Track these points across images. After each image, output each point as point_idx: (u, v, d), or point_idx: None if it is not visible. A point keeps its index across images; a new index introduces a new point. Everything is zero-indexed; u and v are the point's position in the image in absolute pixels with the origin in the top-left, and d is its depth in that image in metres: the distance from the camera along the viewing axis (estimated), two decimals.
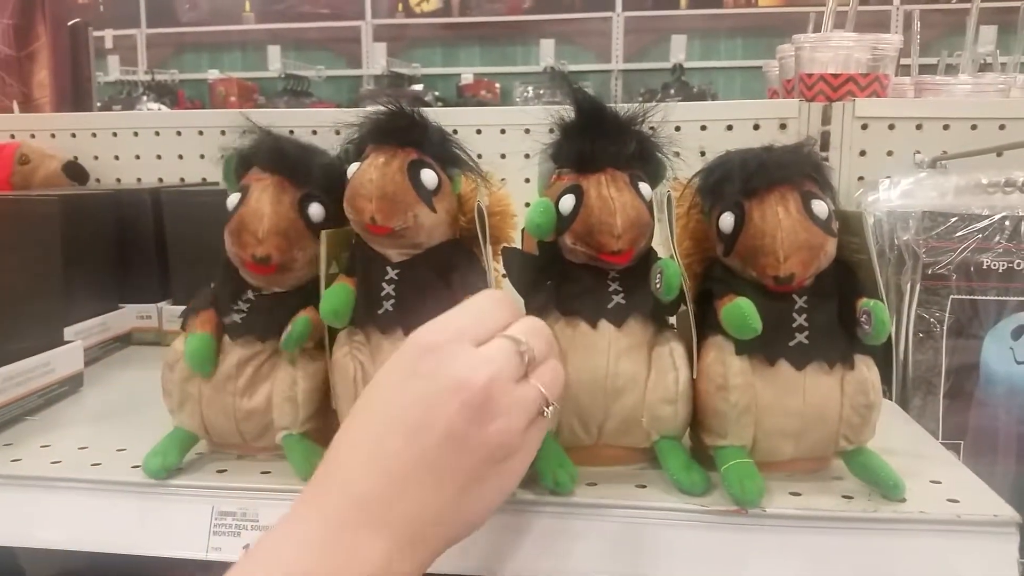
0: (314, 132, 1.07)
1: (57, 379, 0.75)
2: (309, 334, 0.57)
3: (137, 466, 0.58)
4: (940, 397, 0.75)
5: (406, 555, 0.40)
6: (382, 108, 0.57)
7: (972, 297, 0.75)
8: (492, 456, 0.42)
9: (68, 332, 0.82)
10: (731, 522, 0.52)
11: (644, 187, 0.55)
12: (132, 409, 0.74)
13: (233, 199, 0.58)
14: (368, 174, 0.54)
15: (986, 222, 0.76)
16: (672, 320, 0.59)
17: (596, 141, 0.55)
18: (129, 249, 0.97)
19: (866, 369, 0.53)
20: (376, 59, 3.78)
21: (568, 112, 0.57)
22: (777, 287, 0.52)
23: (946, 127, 1.00)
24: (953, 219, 0.76)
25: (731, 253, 0.53)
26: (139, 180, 1.16)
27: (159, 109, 3.30)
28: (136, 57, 3.88)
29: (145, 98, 3.45)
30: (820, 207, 0.51)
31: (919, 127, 1.00)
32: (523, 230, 0.60)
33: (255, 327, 0.58)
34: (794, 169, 0.52)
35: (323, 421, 0.60)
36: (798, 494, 0.54)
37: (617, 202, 0.53)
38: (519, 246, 0.62)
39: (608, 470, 0.58)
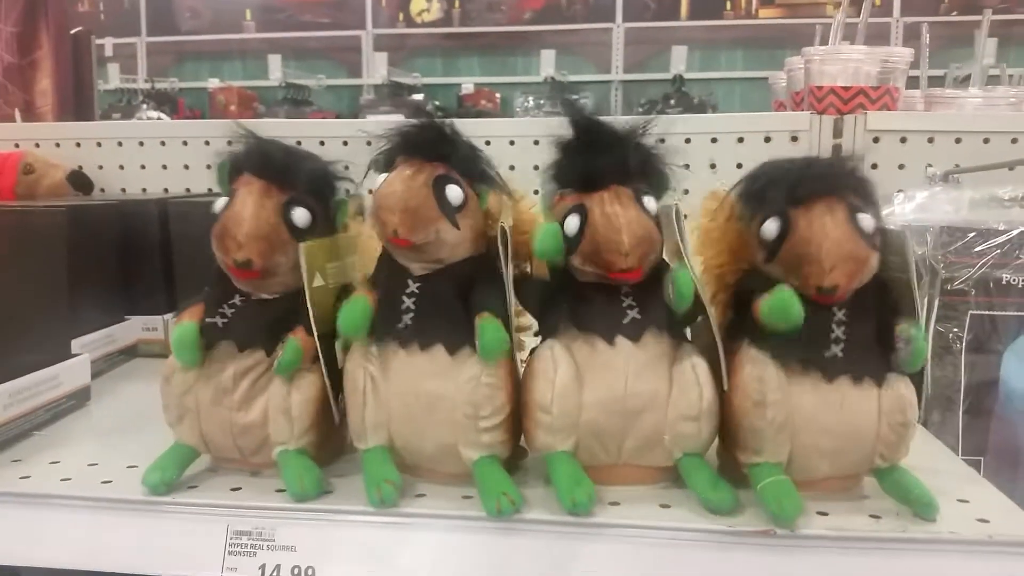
0: (322, 143, 1.07)
1: (64, 393, 0.74)
2: (300, 359, 0.57)
3: None
4: (959, 414, 0.75)
5: None
6: (413, 120, 0.56)
7: (991, 312, 0.74)
8: None
9: (74, 345, 0.81)
10: (760, 543, 0.51)
11: (649, 201, 0.55)
12: (140, 424, 0.72)
13: (220, 203, 0.57)
14: (393, 186, 0.53)
15: (1004, 237, 0.75)
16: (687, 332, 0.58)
17: (596, 158, 0.54)
18: (135, 260, 0.96)
19: (903, 387, 0.52)
20: (376, 68, 3.78)
21: (565, 130, 0.56)
22: (819, 297, 0.51)
23: (958, 140, 1.00)
24: (971, 234, 0.76)
25: (773, 260, 0.52)
26: (144, 190, 1.15)
27: (159, 118, 3.29)
28: (136, 65, 3.87)
29: (145, 106, 3.44)
30: (866, 220, 0.50)
31: (931, 140, 1.00)
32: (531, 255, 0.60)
33: (234, 332, 0.58)
34: (842, 181, 0.52)
35: (322, 436, 0.59)
36: (825, 514, 0.53)
37: (623, 219, 0.52)
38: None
39: (630, 489, 0.57)
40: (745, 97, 3.76)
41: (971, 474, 0.61)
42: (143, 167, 1.14)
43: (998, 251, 0.75)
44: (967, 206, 0.84)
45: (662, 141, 0.57)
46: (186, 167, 1.14)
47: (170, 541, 0.56)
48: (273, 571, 0.54)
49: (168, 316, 0.97)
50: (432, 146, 0.55)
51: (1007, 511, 0.54)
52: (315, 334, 0.57)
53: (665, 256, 0.56)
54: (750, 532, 0.51)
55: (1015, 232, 0.75)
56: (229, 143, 0.59)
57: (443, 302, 0.55)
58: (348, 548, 0.54)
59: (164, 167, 1.14)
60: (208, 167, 1.11)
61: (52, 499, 0.58)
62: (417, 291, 0.56)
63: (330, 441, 0.61)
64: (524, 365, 0.58)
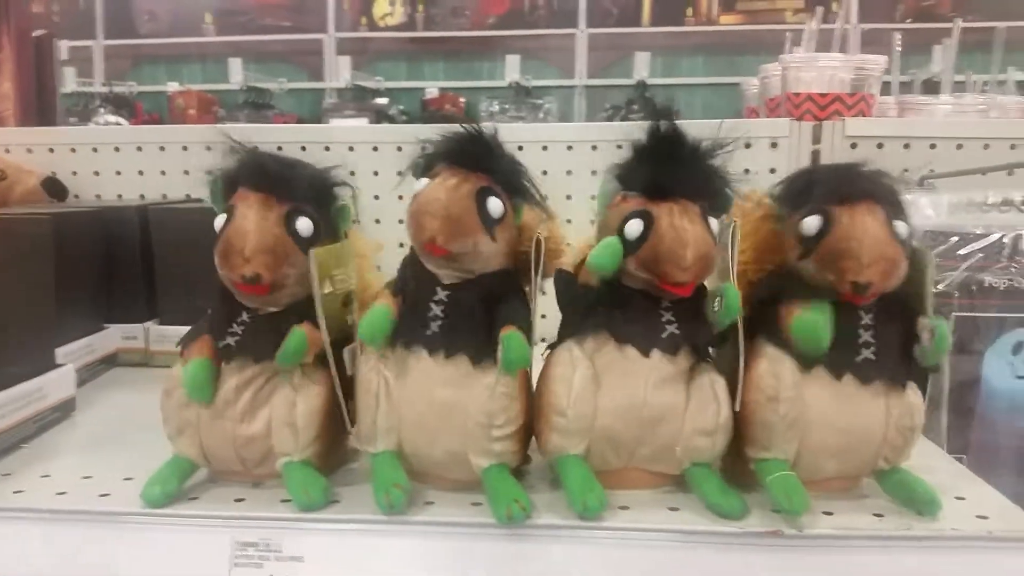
0: (303, 148, 1.06)
1: (50, 405, 0.73)
2: (305, 349, 0.56)
3: None
4: (944, 413, 0.76)
5: None
6: (459, 128, 0.56)
7: (974, 314, 0.76)
8: None
9: (57, 355, 0.79)
10: (768, 543, 0.52)
11: (713, 222, 0.55)
12: (129, 435, 0.71)
13: (220, 221, 0.56)
14: (437, 193, 0.53)
15: (985, 241, 0.77)
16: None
17: (673, 168, 0.54)
18: (114, 267, 0.95)
19: (912, 393, 0.54)
20: (339, 72, 3.74)
21: (643, 134, 0.55)
22: (853, 295, 0.52)
23: (932, 146, 1.02)
24: (954, 238, 0.78)
25: (809, 256, 0.53)
26: (120, 196, 1.13)
27: (117, 122, 3.23)
28: (92, 69, 3.79)
29: (102, 110, 3.36)
30: (902, 227, 0.52)
31: (907, 146, 1.02)
32: (580, 262, 0.59)
33: (249, 348, 0.57)
34: (881, 188, 0.53)
35: (326, 446, 0.59)
36: (831, 513, 0.54)
37: (690, 234, 0.52)
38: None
39: (637, 493, 0.57)
40: (706, 103, 3.80)
41: (965, 472, 0.62)
42: (118, 173, 1.12)
43: (980, 254, 0.77)
44: (946, 210, 0.86)
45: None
46: (163, 173, 1.12)
47: (173, 554, 0.55)
48: None
49: (149, 324, 0.96)
50: (478, 157, 0.55)
51: (1003, 508, 0.55)
52: (327, 339, 0.56)
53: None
54: (759, 533, 0.52)
55: (995, 236, 0.77)
56: (208, 148, 0.58)
57: (472, 313, 0.55)
58: (356, 557, 0.54)
59: (140, 173, 1.12)
60: (186, 173, 1.10)
61: (48, 514, 0.56)
62: (446, 299, 0.56)
63: (334, 451, 0.61)
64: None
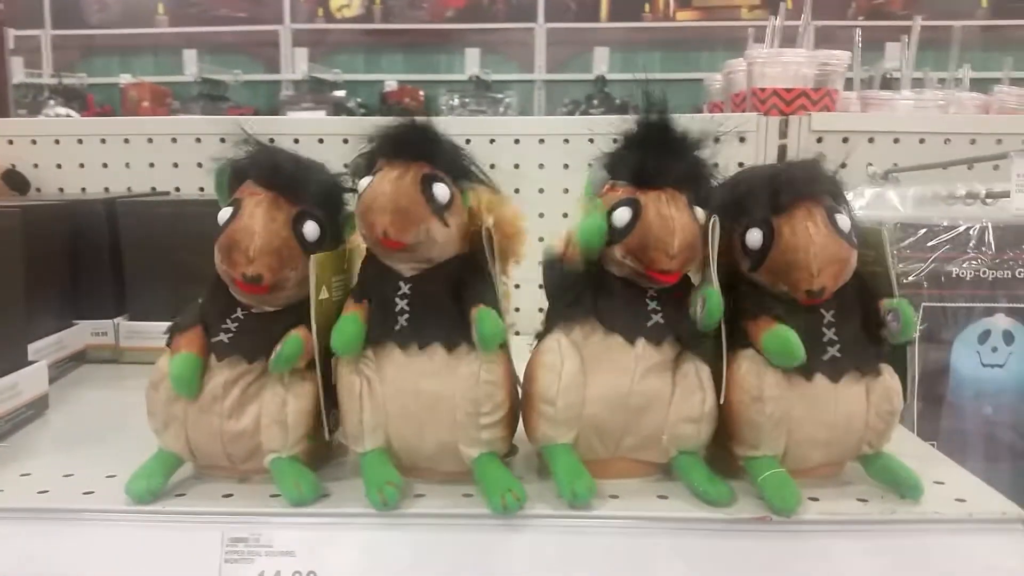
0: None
1: (25, 402, 0.71)
2: (299, 355, 0.56)
3: None
4: (914, 400, 0.79)
5: None
6: (394, 121, 0.55)
7: (943, 304, 0.79)
8: None
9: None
10: (757, 529, 0.53)
11: (699, 211, 0.56)
12: (104, 432, 0.70)
13: (224, 213, 0.56)
14: (381, 187, 0.53)
15: (952, 233, 0.79)
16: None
17: (661, 157, 0.55)
18: (83, 262, 0.93)
19: (889, 377, 0.55)
20: (296, 64, 3.70)
21: (633, 123, 0.56)
22: (808, 300, 0.53)
23: (896, 140, 1.05)
24: (923, 230, 0.80)
25: (759, 268, 0.54)
26: (83, 190, 1.10)
27: (68, 115, 3.14)
28: (41, 59, 3.69)
29: (52, 102, 3.28)
30: (844, 221, 0.53)
31: (871, 140, 1.05)
32: (567, 239, 0.59)
33: (242, 347, 0.56)
34: (816, 185, 0.54)
35: (314, 441, 0.58)
36: (816, 499, 0.55)
37: (677, 222, 0.53)
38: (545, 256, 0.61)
39: (626, 482, 0.58)
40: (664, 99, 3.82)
41: (940, 457, 0.64)
42: (82, 165, 1.10)
43: (948, 246, 0.79)
44: (912, 203, 0.88)
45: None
46: (127, 165, 1.09)
47: (163, 551, 0.54)
48: None
49: (119, 320, 0.94)
50: (416, 146, 0.55)
51: (980, 491, 0.57)
52: (317, 347, 0.56)
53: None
54: (748, 520, 0.53)
55: (962, 228, 0.80)
56: (173, 140, 0.58)
57: (437, 301, 0.55)
58: (349, 551, 0.54)
59: (105, 165, 1.09)
60: (151, 165, 1.08)
61: (31, 513, 0.55)
62: (409, 292, 0.56)
63: (322, 445, 0.60)
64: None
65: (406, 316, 0.55)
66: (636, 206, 0.54)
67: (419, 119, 0.56)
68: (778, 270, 0.53)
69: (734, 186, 0.57)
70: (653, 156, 0.55)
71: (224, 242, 0.54)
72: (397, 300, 0.55)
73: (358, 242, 0.59)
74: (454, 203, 0.56)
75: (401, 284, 0.56)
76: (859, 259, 0.55)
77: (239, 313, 0.57)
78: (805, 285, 0.52)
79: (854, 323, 0.55)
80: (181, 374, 0.55)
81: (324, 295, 0.56)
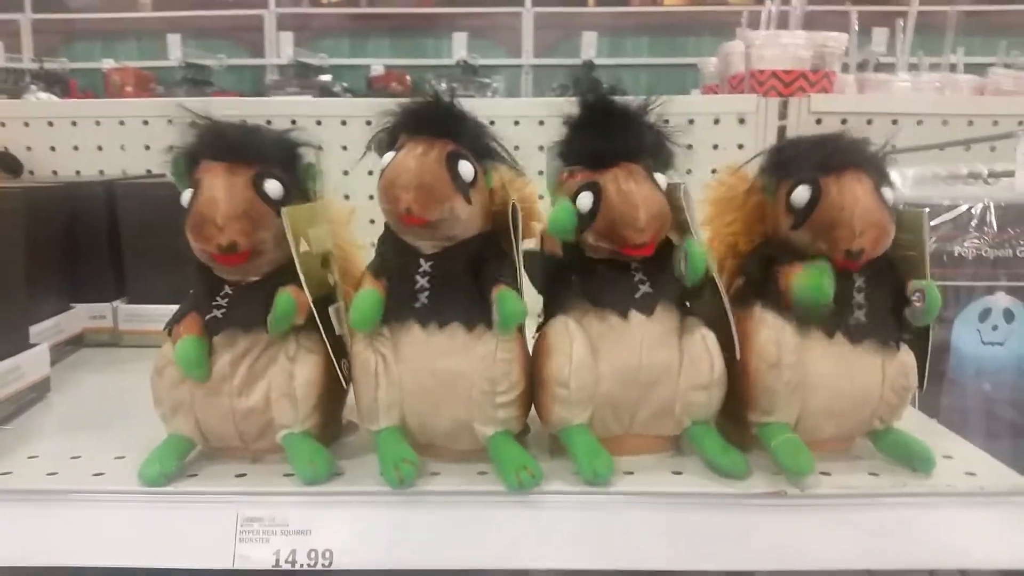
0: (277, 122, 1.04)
1: (28, 384, 0.70)
2: (294, 311, 0.55)
3: None
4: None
5: None
6: (419, 98, 0.55)
7: (944, 283, 0.79)
8: None
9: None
10: (772, 503, 0.53)
11: (660, 177, 0.56)
12: (109, 414, 0.70)
13: (186, 196, 0.55)
14: (406, 163, 0.53)
15: (955, 212, 0.80)
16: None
17: (608, 136, 0.55)
18: (81, 245, 0.92)
19: (905, 353, 0.55)
20: (281, 48, 3.67)
21: (574, 107, 0.56)
22: (846, 261, 0.53)
23: (894, 122, 1.05)
24: (925, 209, 0.80)
25: (801, 226, 0.55)
26: (78, 172, 1.09)
27: (49, 100, 3.10)
28: (21, 44, 3.63)
29: (33, 87, 3.23)
30: (888, 193, 0.54)
31: (870, 122, 1.05)
32: (542, 232, 0.60)
33: (236, 319, 0.56)
34: (867, 156, 0.55)
35: (326, 416, 0.58)
36: (828, 473, 0.56)
37: (638, 195, 0.53)
38: (535, 246, 0.61)
39: (640, 459, 0.58)
40: (650, 83, 3.83)
41: (947, 432, 0.65)
42: (76, 148, 1.09)
43: (950, 225, 0.79)
44: (911, 183, 0.89)
45: (666, 121, 0.58)
46: (122, 147, 1.08)
47: (176, 532, 0.54)
48: (289, 556, 0.53)
49: (117, 303, 0.93)
50: (441, 123, 0.55)
51: (989, 465, 0.58)
52: (309, 297, 0.55)
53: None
54: (763, 493, 0.53)
55: (964, 208, 0.80)
56: (169, 122, 0.57)
57: (457, 279, 0.55)
58: (365, 529, 0.54)
59: (99, 148, 1.08)
60: (147, 147, 1.07)
61: (42, 495, 0.55)
62: (430, 270, 0.55)
63: (332, 422, 0.60)
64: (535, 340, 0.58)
65: (426, 294, 0.55)
66: (596, 188, 0.54)
67: (444, 97, 0.56)
68: (821, 228, 0.53)
69: (783, 148, 0.58)
70: (600, 135, 0.55)
71: (193, 220, 0.53)
72: (417, 278, 0.55)
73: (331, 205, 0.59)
74: (478, 181, 0.55)
75: (422, 261, 0.55)
76: (894, 243, 0.55)
77: (227, 289, 0.57)
78: (845, 244, 0.52)
79: (882, 294, 0.56)
80: (188, 356, 0.55)
81: (304, 247, 0.56)
